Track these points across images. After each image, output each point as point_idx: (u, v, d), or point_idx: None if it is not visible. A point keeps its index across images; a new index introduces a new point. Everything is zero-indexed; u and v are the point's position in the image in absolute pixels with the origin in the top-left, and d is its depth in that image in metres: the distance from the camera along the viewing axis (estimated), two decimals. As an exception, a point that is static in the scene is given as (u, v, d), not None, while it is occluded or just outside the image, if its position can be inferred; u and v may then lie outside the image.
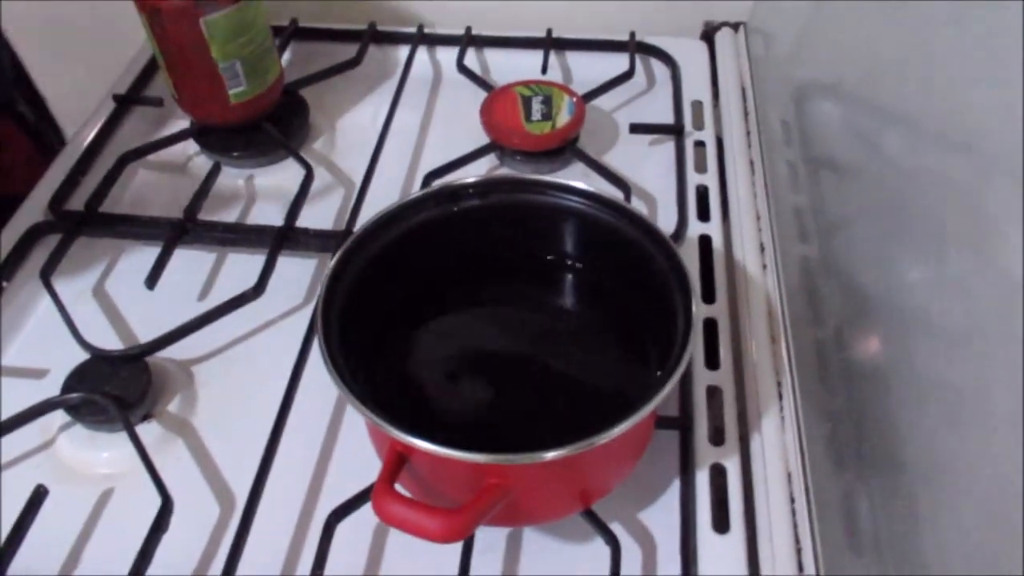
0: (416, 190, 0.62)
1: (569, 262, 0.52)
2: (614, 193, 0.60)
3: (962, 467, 0.38)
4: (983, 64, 0.43)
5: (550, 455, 0.37)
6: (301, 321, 0.57)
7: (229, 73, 0.61)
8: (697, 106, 0.72)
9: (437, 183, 0.50)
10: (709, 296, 0.57)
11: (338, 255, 0.45)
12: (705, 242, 0.61)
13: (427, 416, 0.47)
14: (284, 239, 0.60)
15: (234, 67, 0.60)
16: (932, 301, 0.45)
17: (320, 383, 0.52)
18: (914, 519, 0.40)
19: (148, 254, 0.60)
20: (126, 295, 0.59)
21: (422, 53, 0.78)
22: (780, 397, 0.51)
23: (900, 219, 0.50)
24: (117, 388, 0.51)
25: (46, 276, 0.57)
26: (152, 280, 0.56)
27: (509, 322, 0.51)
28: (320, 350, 0.42)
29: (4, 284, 0.58)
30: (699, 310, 0.41)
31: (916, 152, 0.51)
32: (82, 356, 0.53)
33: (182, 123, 0.70)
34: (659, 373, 0.41)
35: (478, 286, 0.52)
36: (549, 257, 0.52)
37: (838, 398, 0.49)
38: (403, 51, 0.78)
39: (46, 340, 0.57)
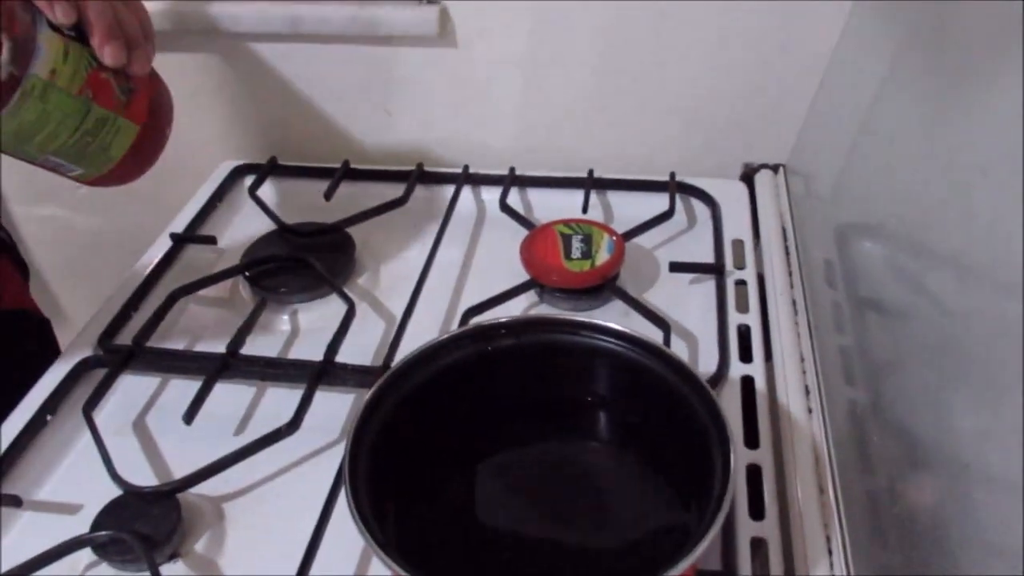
0: (455, 327, 0.63)
1: (604, 403, 0.51)
2: (652, 334, 0.60)
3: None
4: None
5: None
6: (335, 457, 0.56)
7: (51, 164, 0.50)
8: (738, 245, 0.72)
9: (472, 322, 0.50)
10: (752, 441, 0.55)
11: (370, 395, 0.45)
12: (747, 384, 0.59)
13: (458, 564, 0.45)
14: (323, 374, 0.60)
15: (48, 160, 0.49)
16: (990, 451, 0.42)
17: (350, 525, 0.51)
18: None
19: (190, 388, 0.61)
20: (165, 429, 0.60)
21: (466, 192, 0.80)
22: (830, 553, 0.48)
23: (952, 364, 0.49)
24: (147, 526, 0.51)
25: (88, 411, 0.58)
26: (190, 416, 0.57)
27: (544, 462, 0.50)
28: (346, 498, 0.41)
29: (49, 417, 0.59)
30: (737, 461, 0.40)
31: (965, 294, 0.49)
32: (116, 492, 0.53)
33: (233, 260, 0.73)
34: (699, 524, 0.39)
35: (513, 425, 0.51)
36: (587, 398, 0.51)
37: (894, 556, 0.46)
38: (448, 191, 0.80)
39: (84, 475, 0.57)
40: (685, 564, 0.37)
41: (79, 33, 0.46)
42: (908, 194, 0.59)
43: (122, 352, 0.62)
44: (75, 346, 0.65)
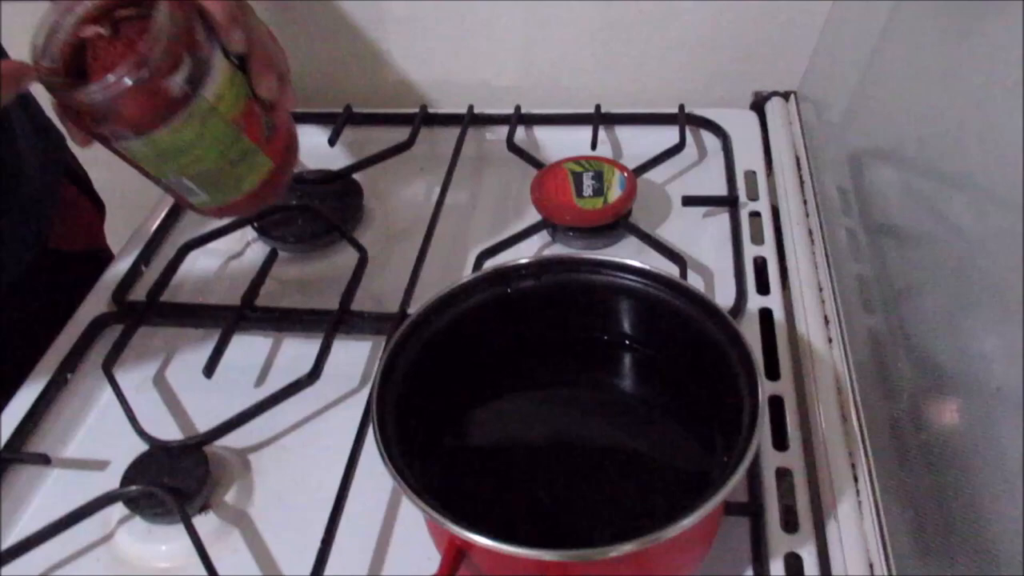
0: (468, 271, 0.62)
1: (627, 341, 0.51)
2: (669, 269, 0.59)
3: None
4: None
5: (615, 551, 0.36)
6: (357, 405, 0.56)
7: (179, 187, 0.48)
8: (750, 176, 0.71)
9: (489, 265, 0.49)
10: (773, 372, 0.55)
11: (392, 342, 0.45)
12: (766, 316, 0.59)
13: (486, 504, 0.46)
14: (339, 323, 0.60)
15: (183, 183, 0.48)
16: (1012, 374, 0.42)
17: (377, 471, 0.51)
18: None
19: (207, 341, 0.61)
20: (185, 383, 0.60)
21: (472, 133, 0.79)
22: (855, 480, 0.48)
23: (971, 287, 0.48)
24: (176, 479, 0.51)
25: (108, 368, 0.58)
26: (210, 369, 0.57)
27: (567, 404, 0.50)
28: (376, 444, 0.41)
29: (68, 376, 0.59)
30: (765, 394, 0.40)
31: (983, 216, 0.49)
32: (142, 447, 0.53)
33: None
34: (726, 459, 0.40)
35: (535, 367, 0.51)
36: (606, 337, 0.51)
37: (920, 480, 0.47)
38: (454, 132, 0.78)
39: (108, 431, 0.57)
40: (714, 502, 0.37)
41: (240, 62, 0.47)
42: (924, 116, 0.58)
43: (137, 308, 0.62)
44: (89, 303, 0.65)
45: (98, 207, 0.78)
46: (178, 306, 0.63)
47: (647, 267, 0.48)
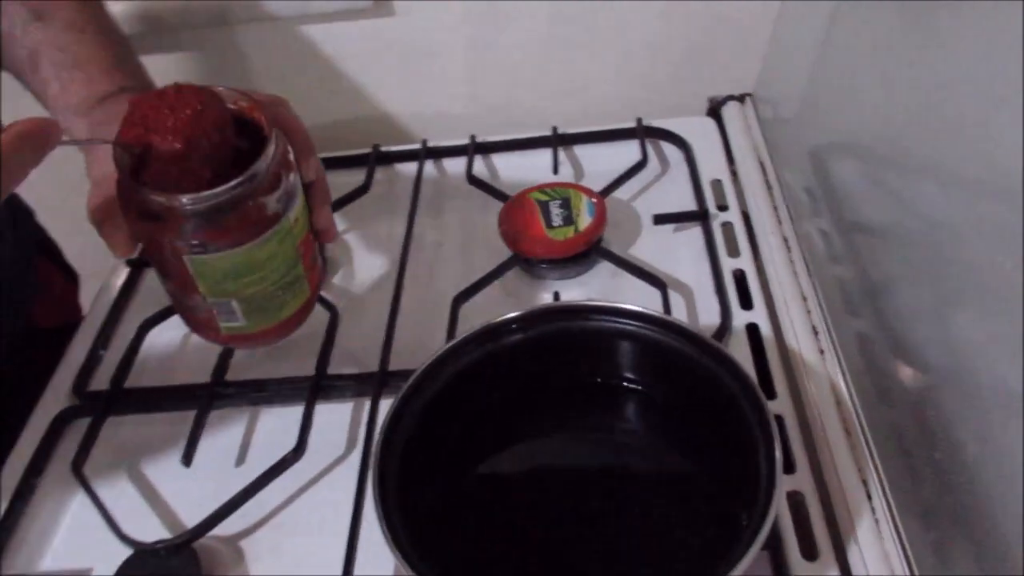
0: (445, 317, 0.60)
1: (630, 385, 0.49)
2: (647, 293, 0.59)
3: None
4: (1007, 103, 0.41)
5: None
6: (346, 473, 0.54)
7: (221, 309, 0.47)
8: (717, 185, 0.70)
9: (480, 323, 0.47)
10: (769, 390, 0.54)
11: (388, 417, 0.43)
12: (753, 331, 0.58)
13: (492, 569, 0.44)
14: (318, 390, 0.57)
15: (229, 305, 0.47)
16: (998, 364, 0.42)
17: (378, 540, 0.50)
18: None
19: (180, 425, 0.58)
20: (162, 473, 0.57)
21: (429, 168, 0.76)
22: (869, 497, 0.47)
23: (948, 275, 0.48)
24: (167, 582, 0.48)
25: (78, 468, 0.54)
26: (188, 457, 0.54)
27: (574, 455, 0.49)
28: (383, 533, 0.39)
29: (35, 481, 0.55)
30: (781, 456, 0.38)
31: (949, 202, 0.48)
32: (125, 550, 0.50)
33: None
34: (744, 521, 0.38)
35: (536, 418, 0.50)
36: (611, 382, 0.49)
37: (929, 488, 0.46)
38: (409, 168, 0.76)
39: (85, 536, 0.54)
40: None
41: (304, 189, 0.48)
42: (881, 107, 0.57)
43: (101, 398, 0.59)
44: (49, 398, 0.61)
45: (71, 277, 0.75)
46: (145, 391, 0.60)
47: (645, 310, 0.46)
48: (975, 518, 0.42)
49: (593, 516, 0.45)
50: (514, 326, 0.46)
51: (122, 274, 0.70)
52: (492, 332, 0.46)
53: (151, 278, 0.71)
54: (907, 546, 0.45)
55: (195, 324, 0.51)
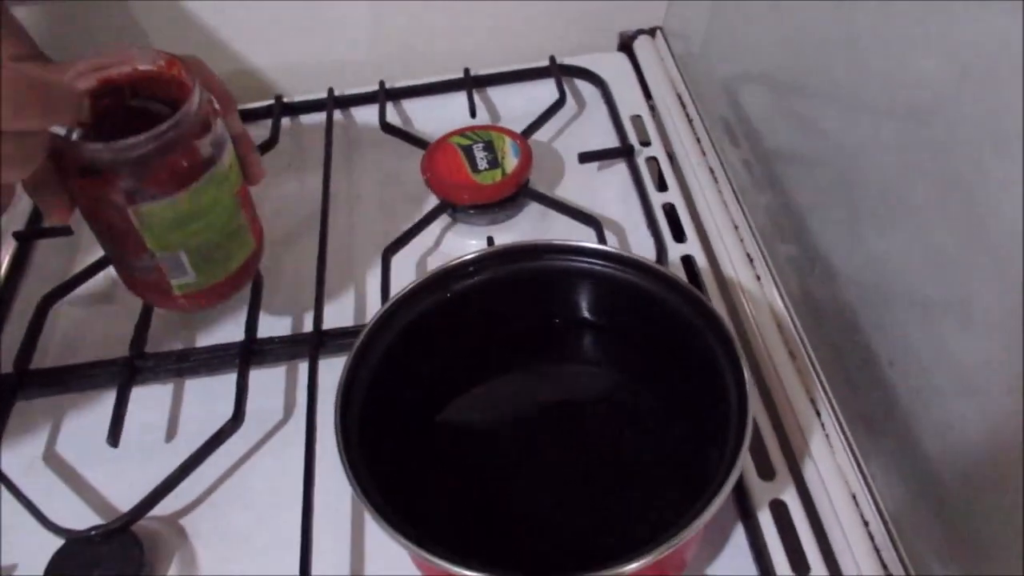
0: (377, 270, 0.58)
1: (594, 325, 0.48)
2: (582, 231, 0.58)
3: None
4: (909, 32, 0.42)
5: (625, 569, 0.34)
6: (288, 438, 0.52)
7: (170, 263, 0.47)
8: (637, 121, 0.70)
9: (433, 269, 0.45)
10: (710, 320, 0.54)
11: (344, 373, 0.41)
12: (688, 263, 0.58)
13: (464, 518, 0.43)
14: (249, 355, 0.54)
15: (176, 258, 0.47)
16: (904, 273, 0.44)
17: (333, 507, 0.48)
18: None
19: (98, 404, 0.54)
20: (83, 455, 0.53)
21: (338, 117, 0.73)
22: (818, 414, 0.49)
23: (861, 196, 0.49)
24: (109, 569, 0.45)
25: (-10, 459, 0.50)
26: (115, 436, 0.50)
27: (541, 397, 0.48)
28: (351, 485, 0.37)
29: (-61, 477, 0.50)
30: (752, 385, 0.38)
31: (853, 125, 0.50)
32: (54, 541, 0.46)
33: (94, 247, 0.63)
34: (718, 452, 0.38)
35: (496, 361, 0.48)
36: (572, 321, 0.48)
37: (869, 399, 0.48)
38: (317, 119, 0.73)
39: (5, 530, 0.49)
40: (716, 505, 0.35)
41: None
42: (788, 35, 0.58)
43: (7, 382, 0.54)
44: (-58, 387, 0.55)
45: None
46: (55, 371, 0.55)
47: (603, 248, 0.45)
48: (896, 421, 0.45)
49: (560, 455, 0.44)
50: (471, 268, 0.44)
51: (7, 250, 0.64)
52: (447, 276, 0.44)
53: (42, 252, 0.65)
54: (859, 457, 0.47)
55: (146, 289, 0.51)
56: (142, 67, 0.47)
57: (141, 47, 0.47)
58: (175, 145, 0.43)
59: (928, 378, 0.42)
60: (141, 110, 0.47)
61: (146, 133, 0.42)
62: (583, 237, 0.59)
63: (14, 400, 0.53)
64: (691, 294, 0.42)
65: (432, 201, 0.63)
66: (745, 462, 0.47)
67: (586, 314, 0.47)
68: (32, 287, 0.62)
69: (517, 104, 0.73)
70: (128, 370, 0.54)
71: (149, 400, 0.55)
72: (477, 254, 0.45)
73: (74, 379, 0.55)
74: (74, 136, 0.43)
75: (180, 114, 0.43)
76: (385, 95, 0.72)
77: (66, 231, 0.64)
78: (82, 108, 0.41)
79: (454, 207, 0.63)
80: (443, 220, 0.63)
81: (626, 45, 0.77)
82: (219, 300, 0.53)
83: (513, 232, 0.62)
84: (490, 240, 0.60)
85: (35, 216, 0.66)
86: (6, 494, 0.49)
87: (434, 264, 0.61)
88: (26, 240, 0.64)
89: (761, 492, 0.46)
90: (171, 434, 0.54)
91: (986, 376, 0.37)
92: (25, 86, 0.36)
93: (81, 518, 0.49)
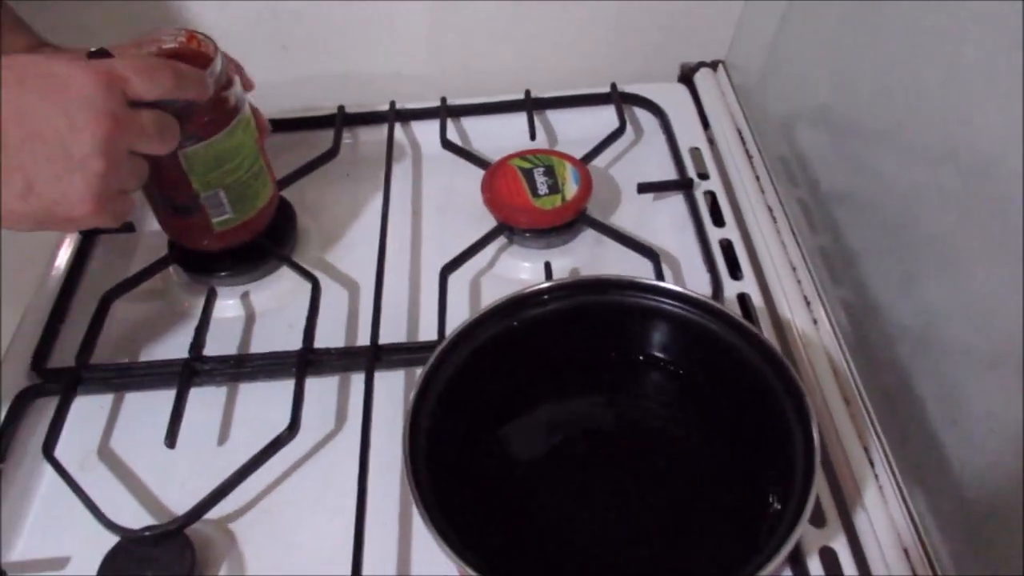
0: (434, 288, 0.58)
1: (654, 361, 0.49)
2: (639, 263, 0.58)
3: None
4: (977, 83, 0.42)
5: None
6: (341, 449, 0.53)
7: (212, 202, 0.55)
8: (696, 154, 0.70)
9: (507, 296, 0.45)
10: (764, 360, 0.54)
11: (416, 392, 0.42)
12: (744, 301, 0.58)
13: (516, 544, 0.43)
14: (307, 364, 0.55)
15: (217, 196, 0.55)
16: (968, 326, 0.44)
17: (384, 520, 0.48)
18: None
19: (154, 403, 0.55)
20: (137, 454, 0.54)
21: (398, 131, 0.74)
22: (872, 464, 0.49)
23: (914, 241, 0.49)
24: (161, 570, 0.46)
25: (49, 451, 0.50)
26: (172, 437, 0.51)
27: (596, 425, 0.48)
28: (417, 507, 0.38)
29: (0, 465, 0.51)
30: (820, 443, 0.38)
31: (908, 170, 0.50)
32: (105, 536, 0.47)
33: (154, 245, 0.64)
34: (777, 504, 0.38)
35: (558, 391, 0.49)
36: (641, 357, 0.49)
37: (930, 456, 0.48)
38: (378, 132, 0.73)
39: (59, 523, 0.51)
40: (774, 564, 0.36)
41: None
42: (846, 75, 0.58)
43: (67, 376, 0.54)
44: (6, 375, 0.56)
45: None
46: (116, 367, 0.56)
47: (681, 289, 0.46)
48: (939, 471, 0.45)
49: (614, 488, 0.44)
50: (544, 297, 0.44)
51: (69, 245, 0.65)
52: (517, 304, 0.44)
53: (101, 250, 0.66)
54: (911, 508, 0.46)
55: (188, 231, 0.57)
56: (167, 46, 0.54)
57: (166, 29, 0.54)
58: (212, 98, 0.51)
59: (983, 439, 0.42)
60: None
61: None
62: (639, 267, 0.60)
63: (74, 395, 0.54)
64: (764, 345, 0.42)
65: (489, 221, 0.64)
66: (796, 507, 0.47)
67: (650, 351, 0.47)
68: (93, 282, 0.63)
69: (576, 128, 0.73)
70: (188, 372, 0.54)
71: (203, 402, 0.55)
72: (548, 285, 0.45)
73: (134, 377, 0.56)
74: None
75: (211, 68, 0.50)
76: (446, 111, 0.73)
77: (128, 227, 0.65)
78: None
79: (511, 229, 0.63)
80: (499, 241, 0.64)
81: (687, 77, 0.78)
82: (251, 235, 0.60)
83: (569, 258, 0.63)
84: (547, 265, 0.60)
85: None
86: (58, 487, 0.49)
87: (488, 284, 0.62)
88: (89, 235, 0.65)
89: (812, 539, 0.46)
90: (223, 438, 0.54)
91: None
92: (157, 65, 0.45)
93: (131, 514, 0.50)
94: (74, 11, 0.70)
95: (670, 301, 0.44)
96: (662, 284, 0.44)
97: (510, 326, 0.44)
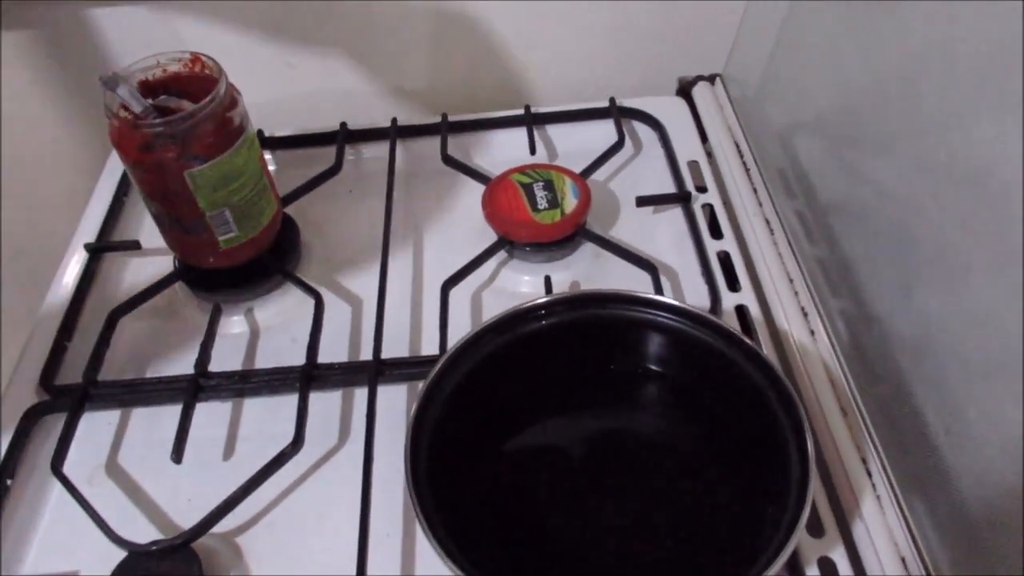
0: (435, 303, 0.59)
1: (653, 374, 0.49)
2: (637, 277, 0.59)
3: None
4: (974, 94, 0.43)
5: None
6: (344, 464, 0.53)
7: (217, 221, 0.56)
8: (694, 167, 0.71)
9: (507, 310, 0.46)
10: (762, 371, 0.55)
11: (417, 405, 0.42)
12: (741, 313, 0.59)
13: (517, 555, 0.44)
14: (311, 379, 0.56)
15: (223, 215, 0.56)
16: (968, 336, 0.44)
17: (388, 533, 0.49)
18: None
19: (159, 419, 0.56)
20: (144, 468, 0.54)
21: (400, 147, 0.75)
22: (869, 474, 0.49)
23: (913, 251, 0.50)
24: (167, 584, 0.46)
25: (58, 467, 0.51)
26: (178, 452, 0.52)
27: (596, 437, 0.49)
28: (420, 523, 0.38)
29: (8, 482, 0.52)
30: (814, 454, 0.39)
31: (907, 179, 0.50)
32: (112, 551, 0.48)
33: (160, 262, 0.65)
34: (771, 511, 0.39)
35: (558, 404, 0.50)
36: (632, 369, 0.49)
37: (927, 466, 0.48)
38: (380, 148, 0.74)
39: (66, 538, 0.51)
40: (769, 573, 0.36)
41: None
42: (842, 86, 0.59)
43: (75, 392, 0.55)
44: (13, 392, 0.57)
45: None
46: (123, 384, 0.57)
47: (678, 303, 0.46)
48: (948, 486, 0.45)
49: (612, 499, 0.45)
50: (542, 312, 0.45)
51: (76, 263, 0.66)
52: (516, 318, 0.45)
53: (108, 267, 0.67)
54: (910, 520, 0.47)
55: (195, 249, 0.59)
56: (171, 68, 0.56)
57: (171, 52, 0.56)
58: (214, 116, 0.53)
59: (981, 448, 0.42)
60: (163, 108, 0.55)
61: (193, 107, 0.51)
62: (638, 280, 0.60)
63: (81, 411, 0.55)
64: (759, 357, 0.43)
65: (490, 235, 0.64)
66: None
67: (649, 363, 0.48)
68: (100, 299, 0.64)
69: (575, 142, 0.74)
70: (193, 388, 0.55)
71: (208, 417, 0.56)
72: (547, 299, 0.46)
73: (141, 393, 0.57)
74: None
75: (215, 90, 0.52)
76: (447, 127, 0.74)
77: (134, 245, 0.66)
78: None
79: (512, 244, 0.64)
80: (500, 255, 0.65)
81: (685, 90, 0.79)
82: (256, 252, 0.61)
83: (569, 271, 0.64)
84: (547, 279, 0.61)
85: (105, 228, 0.68)
86: (66, 502, 0.50)
87: (488, 298, 0.62)
88: (96, 252, 0.66)
89: (810, 548, 0.46)
90: (228, 452, 0.55)
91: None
92: None
93: (138, 529, 0.51)
94: (85, 26, 0.71)
95: (668, 315, 0.45)
96: (660, 298, 0.45)
97: (511, 340, 0.45)
